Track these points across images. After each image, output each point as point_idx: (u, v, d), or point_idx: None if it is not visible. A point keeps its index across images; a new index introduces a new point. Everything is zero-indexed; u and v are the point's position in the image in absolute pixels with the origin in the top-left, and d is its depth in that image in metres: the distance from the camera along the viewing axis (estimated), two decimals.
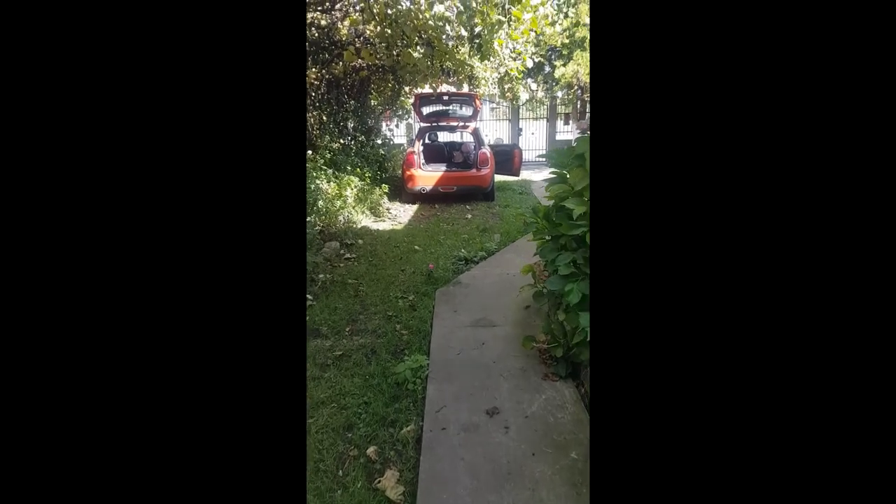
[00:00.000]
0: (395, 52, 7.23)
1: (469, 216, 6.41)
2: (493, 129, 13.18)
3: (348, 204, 5.97)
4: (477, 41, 6.21)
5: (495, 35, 6.12)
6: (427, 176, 7.09)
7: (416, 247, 4.87)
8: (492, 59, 6.46)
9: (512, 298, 3.40)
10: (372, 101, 10.10)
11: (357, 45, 7.41)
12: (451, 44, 7.65)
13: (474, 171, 7.13)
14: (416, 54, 7.68)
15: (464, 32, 6.91)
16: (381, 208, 6.80)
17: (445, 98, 6.91)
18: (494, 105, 13.15)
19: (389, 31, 6.01)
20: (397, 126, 11.90)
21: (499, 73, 10.79)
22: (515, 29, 7.54)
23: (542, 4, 8.85)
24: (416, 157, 7.08)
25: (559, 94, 11.92)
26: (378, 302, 3.44)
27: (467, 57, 8.25)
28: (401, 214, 6.66)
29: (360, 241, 5.09)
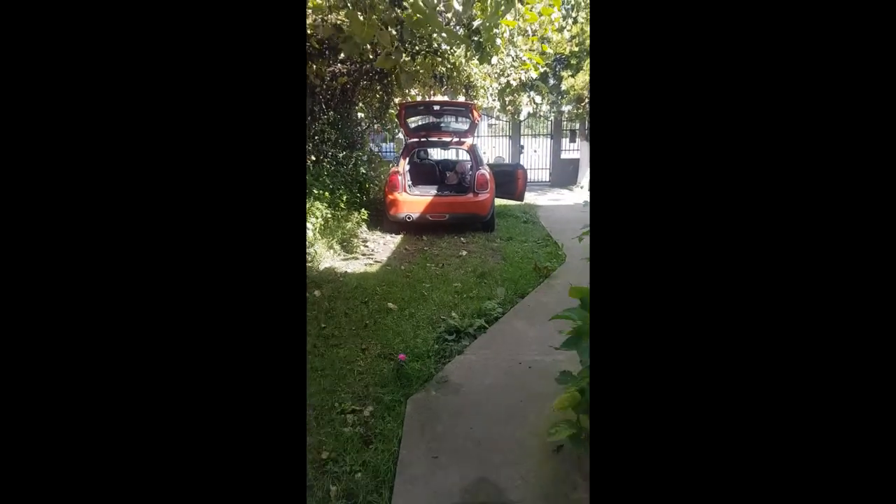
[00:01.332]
0: (377, 51, 6.03)
1: (464, 253, 5.13)
2: (490, 145, 12.00)
3: (309, 239, 4.68)
4: (475, 38, 5.01)
5: (497, 30, 4.94)
6: (414, 201, 5.84)
7: (391, 303, 3.57)
8: (493, 62, 5.27)
9: (531, 424, 2.09)
10: (358, 113, 8.98)
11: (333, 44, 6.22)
12: (444, 45, 6.43)
13: (471, 195, 5.88)
14: (396, 55, 6.49)
15: (459, 29, 5.73)
16: (355, 241, 5.52)
17: (436, 108, 5.66)
18: (493, 120, 12.00)
19: (362, 18, 4.77)
20: (385, 141, 10.70)
21: (499, 84, 9.65)
22: (524, 25, 6.39)
23: (550, 10, 7.74)
24: (400, 178, 5.83)
25: (566, 108, 10.82)
26: (313, 421, 2.12)
27: (464, 60, 7.06)
28: (379, 249, 5.38)
29: (317, 294, 3.79)
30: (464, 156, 7.42)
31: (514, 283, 4.05)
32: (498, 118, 11.76)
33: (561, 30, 9.33)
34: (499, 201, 8.04)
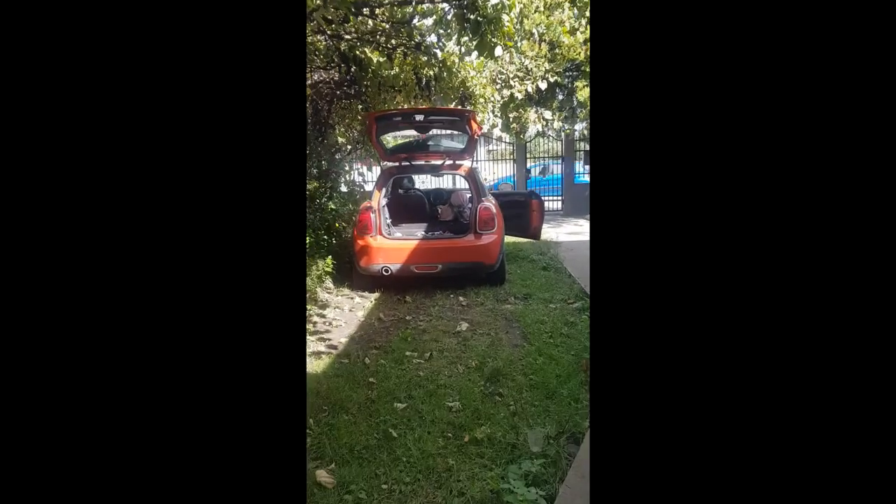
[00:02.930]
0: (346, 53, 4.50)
1: (463, 326, 3.46)
2: (491, 170, 10.49)
3: None
4: (472, 16, 3.47)
5: (504, 4, 3.43)
6: (393, 248, 4.21)
7: (321, 477, 1.87)
8: (499, 54, 3.75)
9: None
10: (338, 138, 7.52)
11: None
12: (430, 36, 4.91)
13: (471, 237, 4.25)
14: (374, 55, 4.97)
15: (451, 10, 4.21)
16: (309, 308, 3.86)
17: (418, 119, 4.02)
18: (493, 143, 10.52)
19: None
20: (371, 169, 9.19)
21: (502, 97, 8.14)
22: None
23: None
24: (373, 216, 4.21)
25: (579, 126, 9.33)
26: None
27: (457, 59, 5.54)
28: (341, 321, 3.71)
29: None
30: (461, 183, 5.85)
31: (552, 398, 2.36)
32: (500, 140, 10.27)
33: (573, 31, 7.91)
34: (508, 239, 6.42)
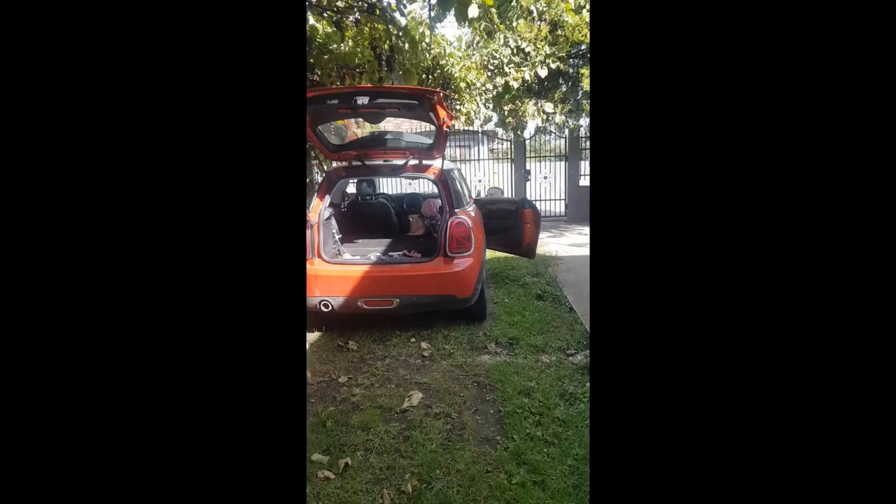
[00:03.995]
0: None
1: (414, 401, 2.40)
2: (492, 170, 9.41)
3: None
4: None
5: None
6: (335, 275, 3.16)
7: None
8: (474, 16, 2.69)
9: None
10: None
11: None
12: None
13: (439, 262, 3.18)
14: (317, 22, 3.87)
15: None
16: None
17: (360, 102, 2.86)
18: (497, 142, 9.42)
19: None
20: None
21: (494, 86, 7.03)
22: None
23: None
24: (309, 234, 3.16)
25: (585, 121, 8.22)
26: None
27: (428, 32, 4.43)
28: None
29: None
30: (428, 187, 4.83)
31: None
32: (500, 139, 9.17)
33: (578, 10, 6.80)
34: (498, 255, 5.35)
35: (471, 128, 8.09)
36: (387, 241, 3.88)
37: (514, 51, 6.86)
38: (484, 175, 9.09)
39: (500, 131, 8.18)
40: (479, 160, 9.18)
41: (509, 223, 4.38)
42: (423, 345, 3.06)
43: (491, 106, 7.26)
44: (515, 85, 6.97)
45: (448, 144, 9.76)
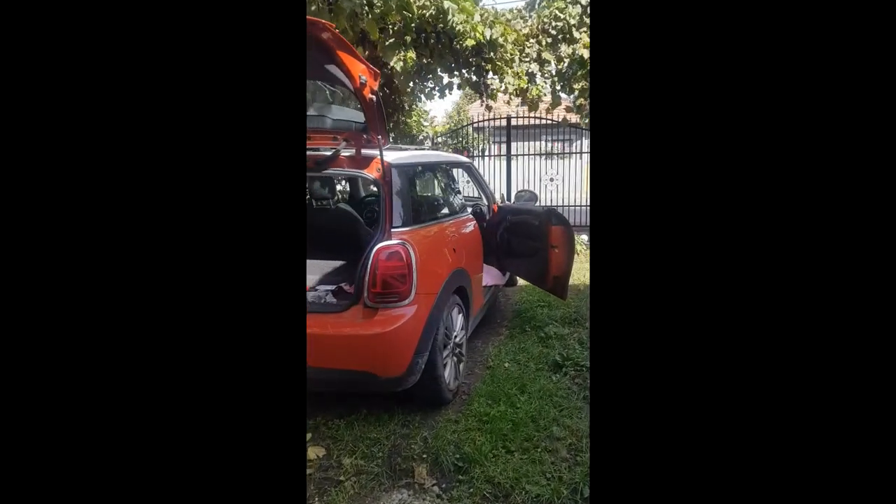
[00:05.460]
0: None
1: None
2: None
3: None
4: None
5: None
6: None
7: None
8: None
9: None
10: None
11: None
12: None
13: (355, 312, 1.92)
14: None
15: None
16: None
17: None
18: (566, 132, 7.77)
19: None
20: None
21: (560, 57, 5.48)
22: None
23: None
24: None
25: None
26: None
27: None
28: None
29: None
30: (364, 188, 3.62)
31: None
32: (569, 124, 7.50)
33: None
34: (520, 286, 3.88)
35: (547, 117, 6.62)
36: (337, 265, 2.71)
37: (587, 9, 5.25)
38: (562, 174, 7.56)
39: (574, 117, 6.54)
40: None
41: (531, 244, 2.98)
42: (314, 451, 1.85)
43: (557, 84, 5.70)
44: (587, 55, 5.35)
45: (547, 137, 8.76)
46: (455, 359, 2.31)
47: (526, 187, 6.29)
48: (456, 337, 2.31)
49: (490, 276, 3.31)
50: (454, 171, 3.59)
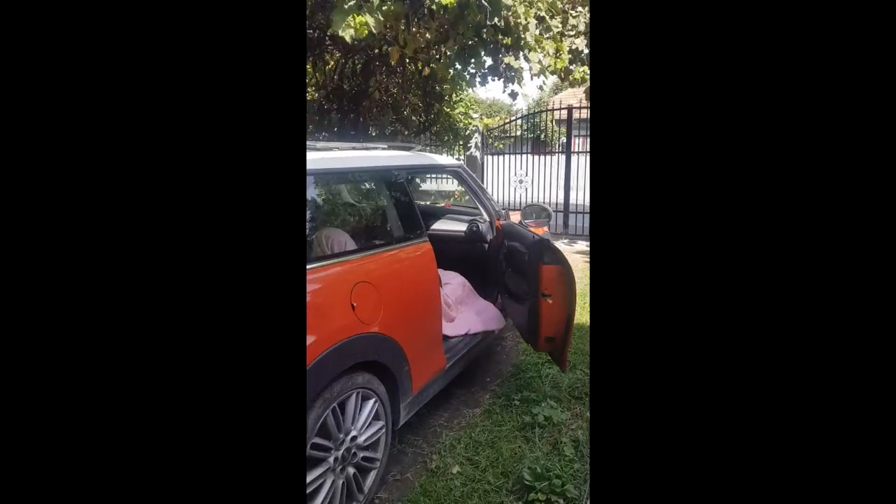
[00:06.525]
0: None
1: None
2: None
3: None
4: None
5: None
6: None
7: None
8: None
9: None
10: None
11: None
12: None
13: None
14: None
15: None
16: None
17: None
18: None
19: None
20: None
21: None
22: None
23: None
24: None
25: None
26: None
27: None
28: None
29: None
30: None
31: None
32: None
33: None
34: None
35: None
36: None
37: None
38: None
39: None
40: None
41: (522, 286, 2.11)
42: None
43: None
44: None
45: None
46: (353, 470, 1.52)
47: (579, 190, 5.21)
48: (355, 439, 1.51)
49: (479, 319, 2.44)
50: (448, 177, 2.74)
